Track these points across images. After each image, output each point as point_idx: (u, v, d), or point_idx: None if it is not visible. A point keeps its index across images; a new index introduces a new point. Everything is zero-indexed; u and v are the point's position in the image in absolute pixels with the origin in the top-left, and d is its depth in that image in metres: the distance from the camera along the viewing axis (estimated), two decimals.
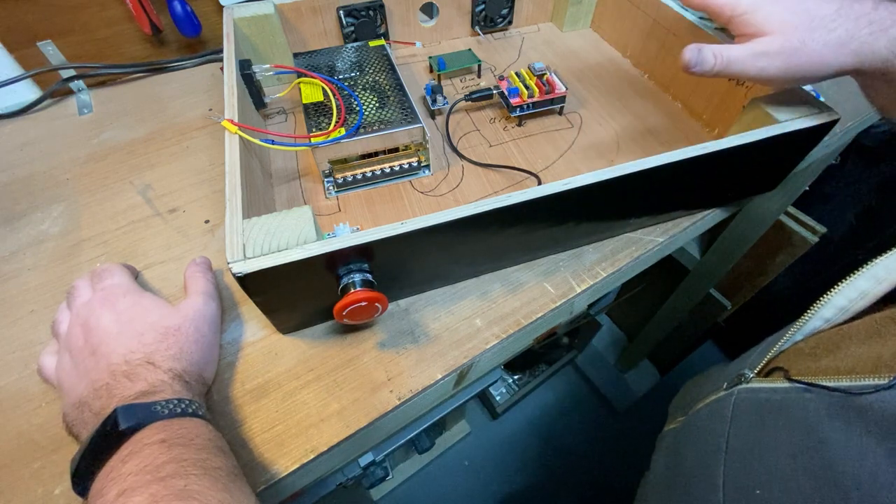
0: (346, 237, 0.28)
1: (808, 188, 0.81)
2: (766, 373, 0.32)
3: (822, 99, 0.36)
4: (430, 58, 0.54)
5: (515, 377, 1.30)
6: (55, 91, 0.55)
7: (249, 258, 0.27)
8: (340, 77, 0.46)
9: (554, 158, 0.46)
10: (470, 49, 0.56)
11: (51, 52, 0.53)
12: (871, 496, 0.21)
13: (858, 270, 0.29)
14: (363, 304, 0.29)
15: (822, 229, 0.81)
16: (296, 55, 0.49)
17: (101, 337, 0.29)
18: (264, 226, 0.28)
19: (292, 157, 0.46)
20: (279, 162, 0.46)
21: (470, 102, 0.50)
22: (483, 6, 0.58)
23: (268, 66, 0.44)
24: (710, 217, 0.43)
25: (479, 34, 0.61)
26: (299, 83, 0.45)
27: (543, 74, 0.48)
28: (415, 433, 0.73)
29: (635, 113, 0.50)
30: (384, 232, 0.28)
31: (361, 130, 0.40)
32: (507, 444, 1.26)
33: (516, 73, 0.49)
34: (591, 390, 1.36)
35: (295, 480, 0.31)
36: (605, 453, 1.23)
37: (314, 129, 0.40)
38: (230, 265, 0.27)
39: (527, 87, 0.47)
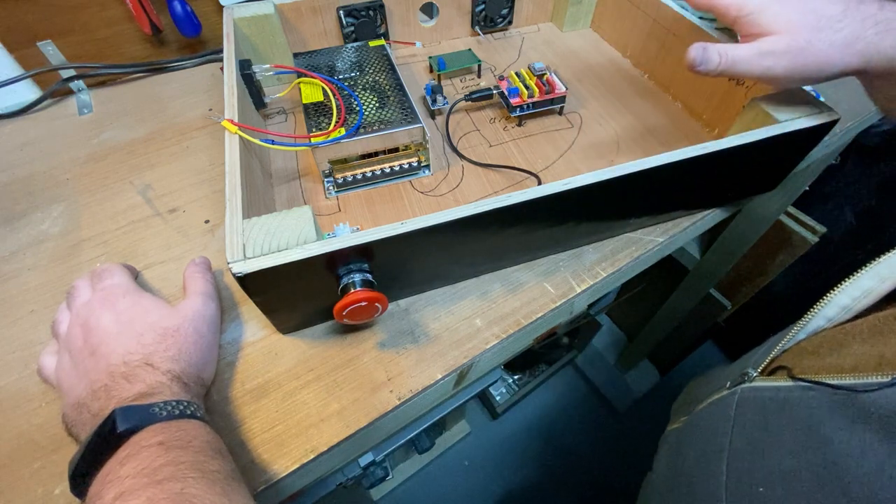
0: (346, 237, 0.28)
1: (808, 188, 0.81)
2: (770, 372, 0.32)
3: (822, 99, 0.36)
4: (430, 58, 0.54)
5: (515, 377, 1.30)
6: (55, 91, 0.55)
7: (249, 258, 0.27)
8: (340, 77, 0.46)
9: (554, 158, 0.46)
10: (470, 49, 0.56)
11: (51, 52, 0.53)
12: (872, 493, 0.21)
13: (862, 269, 0.29)
14: (363, 304, 0.29)
15: (822, 229, 0.81)
16: (296, 55, 0.49)
17: (101, 337, 0.29)
18: (264, 226, 0.28)
19: (292, 157, 0.46)
20: (279, 162, 0.46)
21: (470, 102, 0.50)
22: (483, 6, 0.58)
23: (268, 66, 0.44)
24: (710, 217, 0.43)
25: (479, 34, 0.61)
26: (299, 83, 0.45)
27: (543, 74, 0.48)
28: (415, 433, 0.73)
29: (635, 113, 0.50)
30: (384, 232, 0.28)
31: (361, 130, 0.40)
32: (507, 444, 1.26)
33: (516, 73, 0.49)
34: (591, 390, 1.36)
35: (295, 480, 0.31)
36: (605, 453, 1.23)
37: (314, 129, 0.40)
38: (230, 265, 0.26)
39: (527, 87, 0.47)
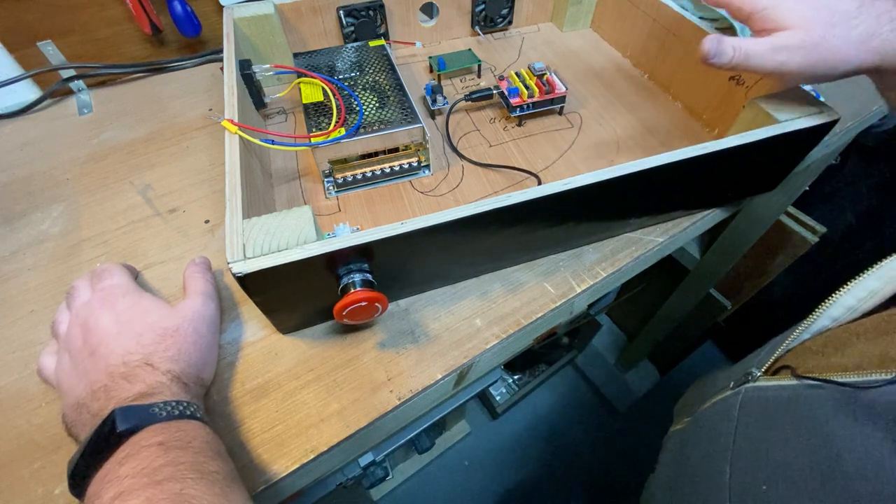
0: (346, 237, 0.28)
1: (808, 188, 0.81)
2: (774, 371, 0.32)
3: (822, 99, 0.36)
4: (430, 58, 0.54)
5: (515, 377, 1.30)
6: (55, 91, 0.55)
7: (249, 258, 0.27)
8: (340, 77, 0.46)
9: (554, 158, 0.46)
10: (470, 49, 0.56)
11: (51, 52, 0.53)
12: (876, 488, 0.22)
13: (868, 270, 0.29)
14: (363, 304, 0.29)
15: (822, 229, 0.81)
16: (296, 55, 0.49)
17: (101, 337, 0.29)
18: (264, 226, 0.28)
19: (292, 157, 0.46)
20: (279, 162, 0.46)
21: (470, 102, 0.50)
22: (483, 6, 0.58)
23: (268, 66, 0.44)
24: (710, 217, 0.43)
25: (479, 34, 0.61)
26: (299, 83, 0.45)
27: (543, 74, 0.48)
28: (415, 433, 0.73)
29: (635, 113, 0.50)
30: (384, 232, 0.28)
31: (361, 130, 0.40)
32: (507, 443, 1.26)
33: (516, 73, 0.49)
34: (591, 390, 1.36)
35: (295, 480, 0.31)
36: (606, 453, 1.23)
37: (314, 129, 0.40)
38: (230, 265, 0.26)
39: (527, 87, 0.47)
